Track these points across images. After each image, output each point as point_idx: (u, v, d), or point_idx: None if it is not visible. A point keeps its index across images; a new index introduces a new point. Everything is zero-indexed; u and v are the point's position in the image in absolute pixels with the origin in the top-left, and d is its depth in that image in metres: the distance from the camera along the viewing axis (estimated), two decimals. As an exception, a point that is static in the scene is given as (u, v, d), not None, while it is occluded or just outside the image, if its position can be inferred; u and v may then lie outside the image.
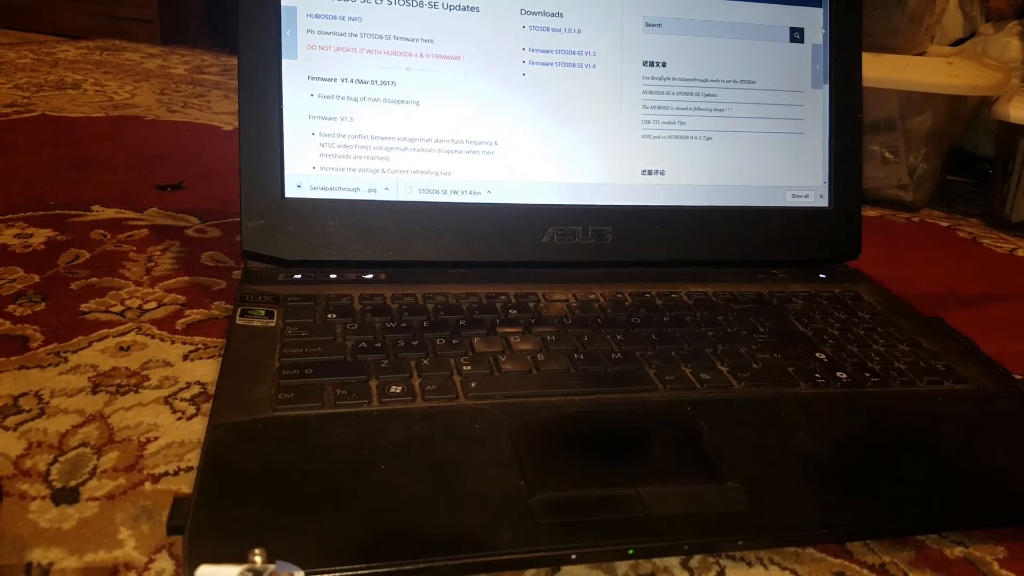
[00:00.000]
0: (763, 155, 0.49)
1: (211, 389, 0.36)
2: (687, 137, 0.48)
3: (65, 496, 0.29)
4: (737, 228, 0.48)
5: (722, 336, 0.39)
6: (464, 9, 0.44)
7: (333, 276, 0.42)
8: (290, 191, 0.42)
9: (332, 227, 0.42)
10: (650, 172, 0.47)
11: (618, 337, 0.38)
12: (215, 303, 0.44)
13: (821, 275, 0.49)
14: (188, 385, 0.36)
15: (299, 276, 0.42)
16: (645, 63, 0.47)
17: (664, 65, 0.48)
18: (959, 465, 0.32)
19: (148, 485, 0.30)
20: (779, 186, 0.50)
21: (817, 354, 0.39)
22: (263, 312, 0.37)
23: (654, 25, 0.48)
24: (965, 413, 0.36)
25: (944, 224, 0.72)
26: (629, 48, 0.47)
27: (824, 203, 0.50)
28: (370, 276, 0.42)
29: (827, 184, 0.50)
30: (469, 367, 0.34)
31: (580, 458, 0.30)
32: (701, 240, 0.48)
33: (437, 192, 0.44)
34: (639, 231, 0.47)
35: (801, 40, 0.50)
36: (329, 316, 0.38)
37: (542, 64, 0.45)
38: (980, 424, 0.35)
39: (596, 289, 0.43)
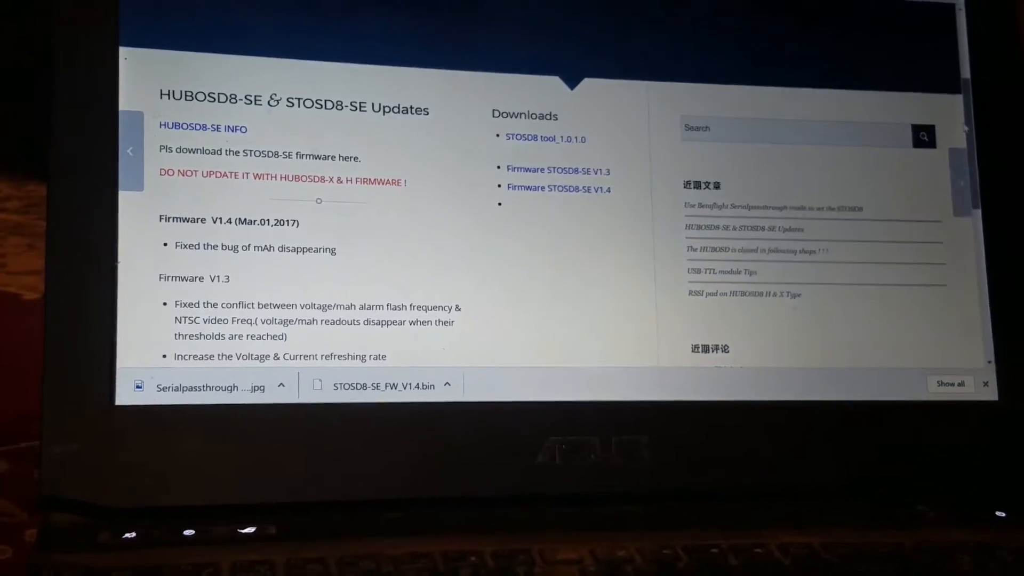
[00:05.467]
0: (884, 321, 0.50)
1: None
2: (761, 294, 0.49)
3: None
4: (850, 436, 0.48)
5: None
6: (406, 112, 0.47)
7: (189, 533, 0.41)
8: (124, 396, 0.42)
9: (191, 452, 0.42)
10: (705, 349, 0.48)
11: (668, 625, 0.37)
12: (-8, 585, 0.43)
13: (998, 512, 0.48)
14: None
15: (132, 536, 0.40)
16: (687, 184, 0.49)
17: (717, 187, 0.50)
18: None
19: None
20: (914, 369, 0.50)
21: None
22: (71, 600, 0.36)
23: (698, 128, 0.50)
24: None
25: None
26: (661, 163, 0.49)
27: (991, 395, 0.50)
28: (251, 530, 0.41)
29: (992, 364, 0.50)
30: None
31: None
32: (792, 457, 0.47)
33: (364, 388, 0.44)
34: (693, 443, 0.46)
35: (932, 144, 0.52)
36: (180, 602, 0.36)
37: (528, 189, 0.47)
38: None
39: (627, 542, 0.42)
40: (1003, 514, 0.48)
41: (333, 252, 0.45)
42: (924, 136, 0.52)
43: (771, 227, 0.50)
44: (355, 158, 0.46)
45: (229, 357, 0.43)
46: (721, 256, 0.49)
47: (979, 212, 0.52)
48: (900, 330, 0.50)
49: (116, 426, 0.42)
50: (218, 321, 0.43)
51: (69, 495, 0.41)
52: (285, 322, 0.44)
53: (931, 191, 0.52)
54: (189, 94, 0.45)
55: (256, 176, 0.45)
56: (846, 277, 0.50)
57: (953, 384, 0.50)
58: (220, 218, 0.44)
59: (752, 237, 0.49)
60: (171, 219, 0.44)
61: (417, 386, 0.45)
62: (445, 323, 0.45)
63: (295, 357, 0.44)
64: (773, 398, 0.48)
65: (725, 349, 0.48)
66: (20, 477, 0.51)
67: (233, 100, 0.45)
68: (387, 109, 0.47)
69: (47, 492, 0.41)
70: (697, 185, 0.49)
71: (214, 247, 0.44)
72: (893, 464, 0.49)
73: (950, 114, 0.53)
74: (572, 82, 0.49)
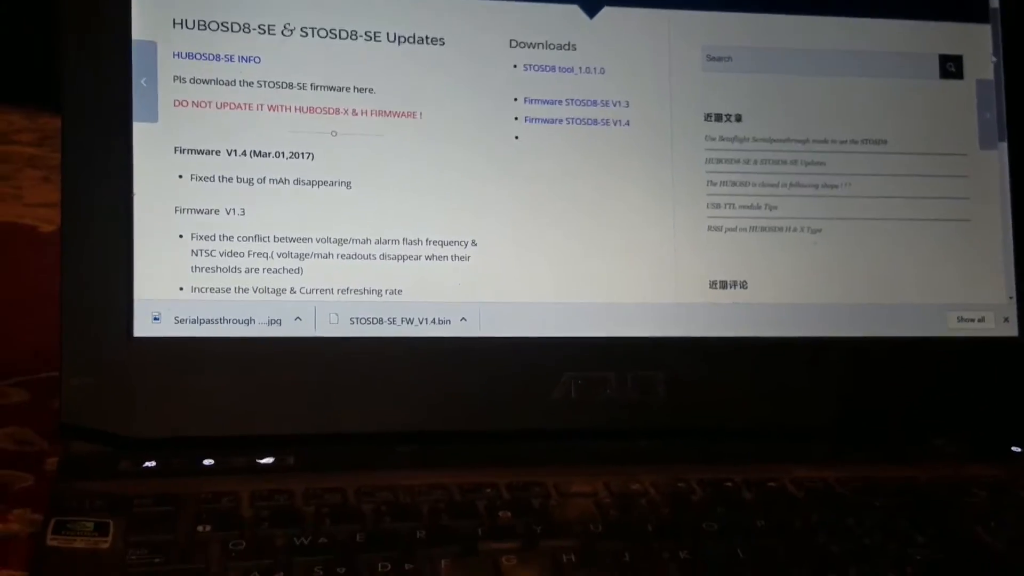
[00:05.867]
0: (905, 256, 0.50)
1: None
2: (781, 229, 0.49)
3: None
4: (868, 373, 0.49)
5: (856, 552, 0.39)
6: (422, 42, 0.46)
7: (209, 463, 0.42)
8: (142, 328, 0.43)
9: (209, 384, 0.43)
10: (723, 285, 0.48)
11: (682, 555, 0.38)
12: (15, 512, 0.44)
13: (1015, 448, 0.49)
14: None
15: (153, 464, 0.41)
16: (708, 117, 0.49)
17: (739, 119, 0.49)
18: None
19: None
20: (934, 304, 0.50)
21: (1015, 580, 0.38)
22: (92, 525, 0.37)
23: (720, 59, 0.49)
24: None
25: None
26: (682, 94, 0.49)
27: (1011, 330, 0.50)
28: (270, 461, 0.42)
29: (1015, 300, 0.51)
30: (431, 612, 0.34)
31: None
32: (809, 393, 0.48)
33: (380, 322, 0.45)
34: (709, 379, 0.47)
35: (959, 75, 0.52)
36: (201, 529, 0.37)
37: (545, 122, 0.47)
38: None
39: (642, 475, 0.43)
40: (1020, 449, 0.49)
41: (349, 186, 0.45)
42: (951, 67, 0.52)
43: (793, 161, 0.50)
44: (370, 90, 0.46)
45: (245, 290, 0.44)
46: (741, 191, 0.49)
47: (1005, 145, 0.51)
48: (921, 266, 0.50)
49: (134, 357, 0.42)
50: (234, 254, 0.44)
51: (88, 424, 0.42)
52: (301, 256, 0.44)
53: (957, 123, 0.52)
54: (202, 23, 0.44)
55: (271, 108, 0.45)
56: (868, 212, 0.50)
57: (973, 320, 0.50)
58: (235, 150, 0.44)
59: (773, 171, 0.49)
60: (186, 151, 0.44)
61: (433, 321, 0.45)
62: (461, 258, 0.46)
63: (311, 291, 0.44)
64: (791, 334, 0.48)
65: (743, 285, 0.48)
66: (40, 407, 0.52)
67: (247, 30, 0.45)
68: (402, 39, 0.46)
69: (67, 421, 0.41)
70: (718, 118, 0.49)
71: (229, 180, 0.44)
72: (911, 400, 0.49)
73: (978, 44, 0.52)
74: (591, 11, 0.48)
